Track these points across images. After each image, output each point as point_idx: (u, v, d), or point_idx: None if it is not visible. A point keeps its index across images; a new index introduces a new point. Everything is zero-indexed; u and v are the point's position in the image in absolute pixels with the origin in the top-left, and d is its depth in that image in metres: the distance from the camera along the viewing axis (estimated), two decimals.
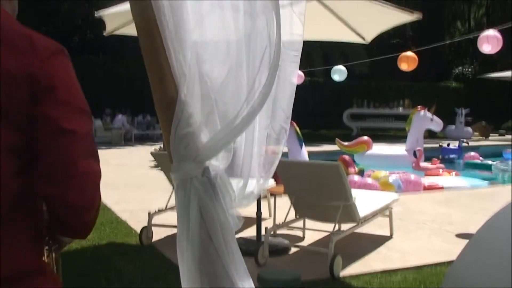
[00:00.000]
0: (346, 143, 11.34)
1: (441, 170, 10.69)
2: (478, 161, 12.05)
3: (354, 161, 10.44)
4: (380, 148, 11.75)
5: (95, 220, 1.25)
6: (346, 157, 9.84)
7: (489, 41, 8.01)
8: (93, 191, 1.20)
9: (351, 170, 9.35)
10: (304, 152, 10.06)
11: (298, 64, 1.91)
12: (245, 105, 1.58)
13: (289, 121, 1.95)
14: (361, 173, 9.14)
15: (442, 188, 9.10)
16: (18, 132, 1.12)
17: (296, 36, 1.90)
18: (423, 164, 11.17)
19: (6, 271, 1.12)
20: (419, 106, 11.71)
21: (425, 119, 11.38)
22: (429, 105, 12.34)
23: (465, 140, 14.29)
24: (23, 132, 1.12)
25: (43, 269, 1.25)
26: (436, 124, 11.50)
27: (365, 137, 11.37)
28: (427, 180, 9.51)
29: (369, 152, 11.10)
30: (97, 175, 1.20)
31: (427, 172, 10.44)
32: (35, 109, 1.12)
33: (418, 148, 11.13)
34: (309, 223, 5.43)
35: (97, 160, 1.22)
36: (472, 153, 12.73)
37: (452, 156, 13.38)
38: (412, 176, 9.10)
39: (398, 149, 11.61)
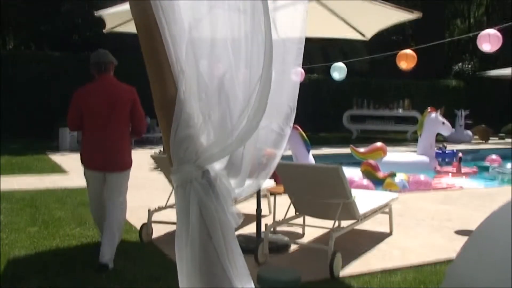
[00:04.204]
0: (361, 150, 10.86)
1: (450, 174, 10.49)
2: (488, 164, 11.82)
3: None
4: (397, 155, 11.33)
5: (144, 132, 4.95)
6: (372, 162, 9.39)
7: (490, 40, 8.01)
8: (145, 126, 4.81)
9: (380, 174, 8.96)
10: (311, 158, 9.61)
11: (301, 61, 1.90)
12: (245, 106, 1.58)
13: (293, 115, 1.93)
14: (393, 177, 8.74)
15: (461, 188, 9.02)
16: (129, 111, 4.60)
17: (299, 33, 1.90)
18: (445, 168, 10.95)
19: (120, 141, 4.62)
20: (429, 108, 11.33)
21: (437, 121, 11.01)
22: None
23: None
24: (129, 112, 4.61)
25: (130, 144, 4.79)
26: (447, 128, 11.16)
27: (379, 143, 10.93)
28: (443, 181, 9.48)
29: (386, 159, 10.61)
30: (146, 123, 4.90)
31: (436, 176, 10.31)
32: (132, 106, 4.61)
33: (460, 154, 10.82)
34: (309, 220, 5.44)
35: (145, 119, 4.83)
36: (494, 156, 12.26)
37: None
38: (422, 177, 8.95)
39: (416, 155, 11.17)
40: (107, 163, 4.56)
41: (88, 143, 4.63)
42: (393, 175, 8.77)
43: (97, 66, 4.63)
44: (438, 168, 10.98)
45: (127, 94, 4.60)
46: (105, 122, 4.51)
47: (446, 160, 12.64)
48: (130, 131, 4.69)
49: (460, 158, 10.72)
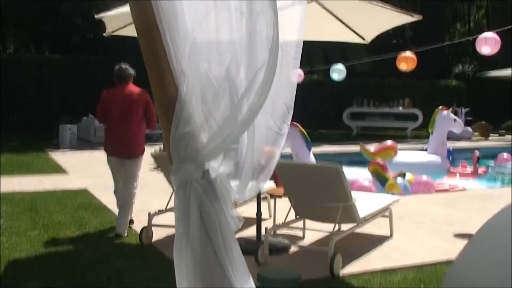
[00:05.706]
0: (371, 150, 10.49)
1: (458, 174, 10.33)
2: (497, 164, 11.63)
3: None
4: (408, 155, 11.02)
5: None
6: (380, 161, 9.03)
7: (487, 43, 8.00)
8: (155, 121, 5.95)
9: (389, 174, 8.66)
10: (312, 157, 9.32)
11: (299, 62, 1.90)
12: (244, 105, 1.58)
13: (291, 114, 1.92)
14: (402, 176, 8.52)
15: (463, 189, 8.90)
16: (143, 110, 5.78)
17: (297, 35, 1.90)
18: (458, 169, 10.76)
19: (135, 135, 5.83)
20: (440, 106, 11.17)
21: (448, 119, 10.81)
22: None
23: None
24: (143, 111, 5.78)
25: (143, 136, 6.02)
26: (459, 125, 10.97)
27: (389, 142, 10.67)
28: (445, 182, 9.42)
29: (397, 159, 10.28)
30: (156, 119, 5.74)
31: (447, 176, 10.20)
32: (146, 106, 5.76)
33: (476, 153, 10.60)
34: (309, 223, 5.43)
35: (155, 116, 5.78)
36: (505, 155, 11.76)
37: None
38: (424, 177, 8.79)
39: (427, 155, 10.94)
40: (125, 151, 5.77)
41: (110, 135, 5.89)
42: (402, 175, 8.64)
43: (119, 77, 5.89)
44: (451, 169, 10.79)
45: (141, 97, 5.81)
46: (123, 119, 5.74)
47: None
48: (144, 125, 5.97)
49: (478, 158, 10.44)
